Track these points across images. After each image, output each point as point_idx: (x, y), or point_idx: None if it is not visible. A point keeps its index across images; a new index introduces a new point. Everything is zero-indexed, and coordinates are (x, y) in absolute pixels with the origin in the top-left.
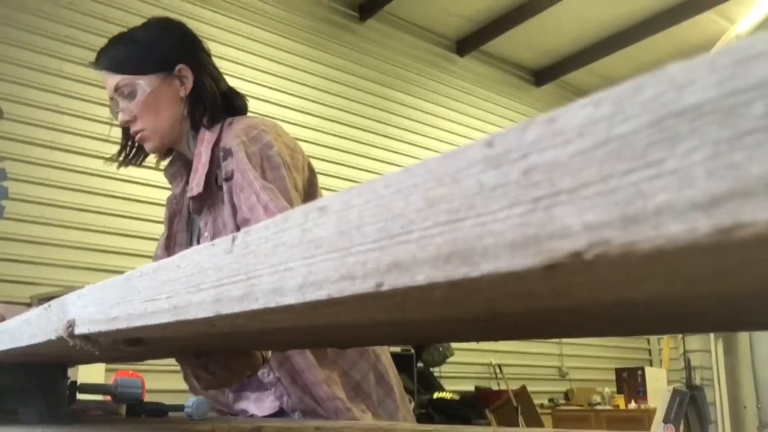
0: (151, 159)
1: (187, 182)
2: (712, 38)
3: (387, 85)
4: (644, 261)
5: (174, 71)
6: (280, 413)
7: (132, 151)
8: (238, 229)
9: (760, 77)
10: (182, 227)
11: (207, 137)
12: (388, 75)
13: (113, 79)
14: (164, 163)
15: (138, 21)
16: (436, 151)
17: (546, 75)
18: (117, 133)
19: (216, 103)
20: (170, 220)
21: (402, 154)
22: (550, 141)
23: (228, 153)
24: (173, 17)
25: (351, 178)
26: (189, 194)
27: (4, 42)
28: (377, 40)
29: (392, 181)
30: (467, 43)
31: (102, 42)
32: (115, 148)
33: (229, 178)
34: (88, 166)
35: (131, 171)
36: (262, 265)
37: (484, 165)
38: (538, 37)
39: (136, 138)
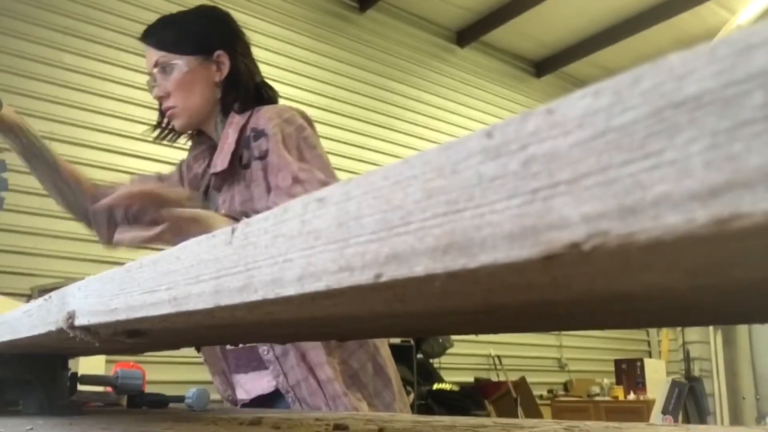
0: (160, 153)
1: (209, 164)
2: (712, 29)
3: (387, 76)
4: (642, 252)
5: (212, 56)
6: (274, 394)
7: (166, 129)
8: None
9: (759, 67)
10: (197, 205)
11: (236, 120)
12: (388, 66)
13: (154, 55)
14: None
15: (137, 10)
16: (436, 142)
17: (546, 66)
18: (117, 125)
19: (249, 91)
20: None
21: (402, 145)
22: (549, 132)
23: (261, 133)
24: (221, 8)
25: (350, 169)
26: (212, 170)
27: (3, 33)
28: (377, 31)
29: (391, 172)
30: (468, 34)
31: (100, 33)
32: (115, 140)
33: (263, 157)
34: (86, 157)
35: (132, 162)
36: (261, 256)
37: (483, 156)
38: (538, 28)
39: (167, 114)
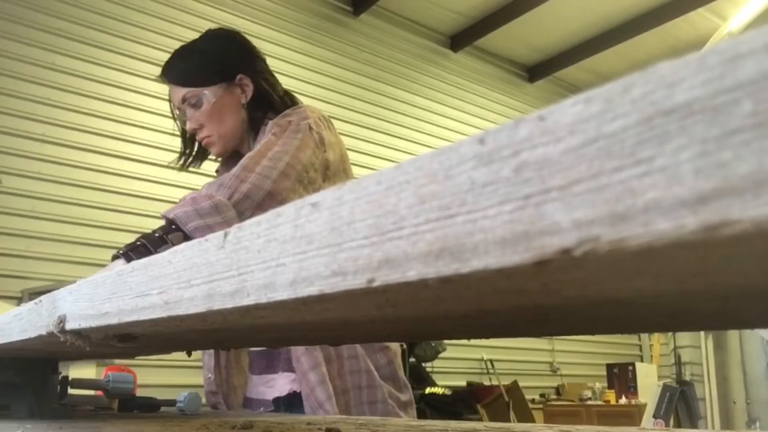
0: (152, 155)
1: None
2: (703, 35)
3: (380, 80)
4: (633, 258)
5: (235, 80)
6: (288, 397)
7: (190, 157)
8: None
9: (748, 76)
10: None
11: (270, 127)
12: (382, 70)
13: (180, 92)
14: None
15: (132, 14)
16: (429, 146)
17: (539, 71)
18: (111, 127)
19: (275, 107)
20: None
21: (395, 149)
22: (541, 138)
23: None
24: (229, 27)
25: None
26: None
27: None
28: (371, 35)
29: (384, 177)
30: (461, 39)
31: (92, 35)
32: (107, 142)
33: None
34: (79, 159)
35: (123, 165)
36: (254, 260)
37: (475, 162)
38: (531, 34)
39: (203, 143)
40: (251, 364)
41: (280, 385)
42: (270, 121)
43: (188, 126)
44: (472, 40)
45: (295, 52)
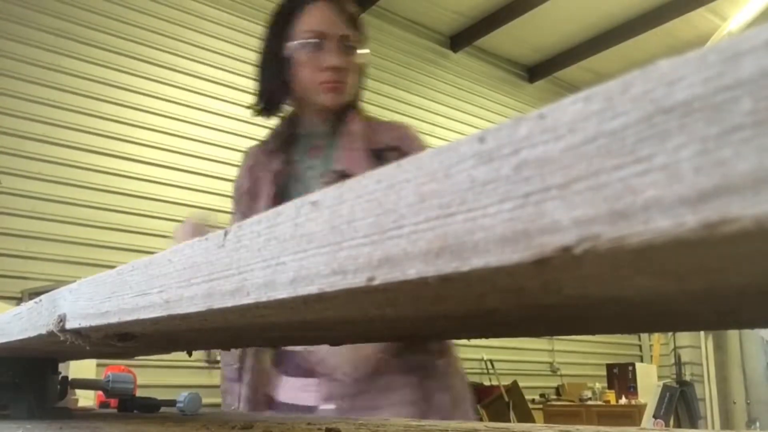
0: (157, 156)
1: (286, 158)
2: (703, 35)
3: (380, 80)
4: (633, 256)
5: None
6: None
7: (269, 105)
8: None
9: (747, 74)
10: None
11: (357, 122)
12: (382, 70)
13: (346, 27)
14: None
15: (135, 15)
16: (428, 146)
17: (539, 71)
18: (110, 128)
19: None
20: (252, 194)
21: None
22: (541, 136)
23: (397, 150)
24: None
25: None
26: (337, 168)
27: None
28: (371, 35)
29: (384, 176)
30: (461, 39)
31: (98, 37)
32: (108, 142)
33: None
34: (79, 159)
35: (124, 165)
36: (254, 259)
37: (475, 160)
38: (531, 34)
39: (336, 85)
40: (285, 366)
41: (325, 391)
42: (407, 149)
43: (338, 60)
44: (472, 40)
45: None
